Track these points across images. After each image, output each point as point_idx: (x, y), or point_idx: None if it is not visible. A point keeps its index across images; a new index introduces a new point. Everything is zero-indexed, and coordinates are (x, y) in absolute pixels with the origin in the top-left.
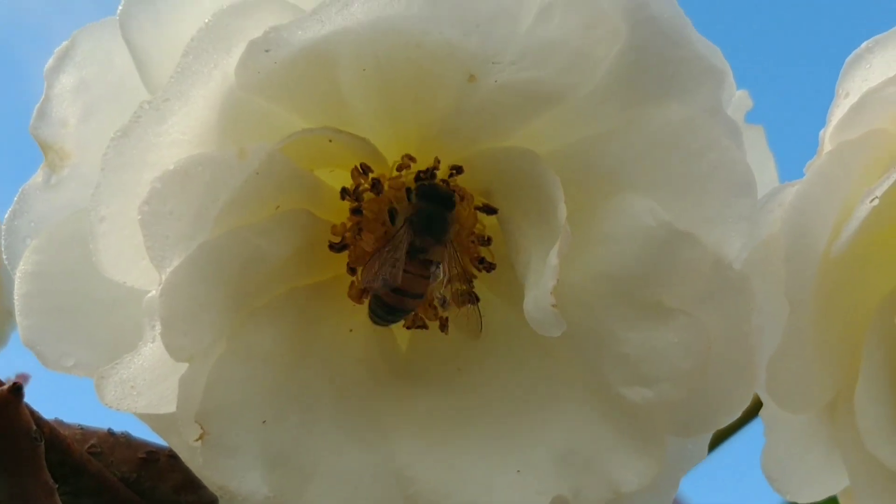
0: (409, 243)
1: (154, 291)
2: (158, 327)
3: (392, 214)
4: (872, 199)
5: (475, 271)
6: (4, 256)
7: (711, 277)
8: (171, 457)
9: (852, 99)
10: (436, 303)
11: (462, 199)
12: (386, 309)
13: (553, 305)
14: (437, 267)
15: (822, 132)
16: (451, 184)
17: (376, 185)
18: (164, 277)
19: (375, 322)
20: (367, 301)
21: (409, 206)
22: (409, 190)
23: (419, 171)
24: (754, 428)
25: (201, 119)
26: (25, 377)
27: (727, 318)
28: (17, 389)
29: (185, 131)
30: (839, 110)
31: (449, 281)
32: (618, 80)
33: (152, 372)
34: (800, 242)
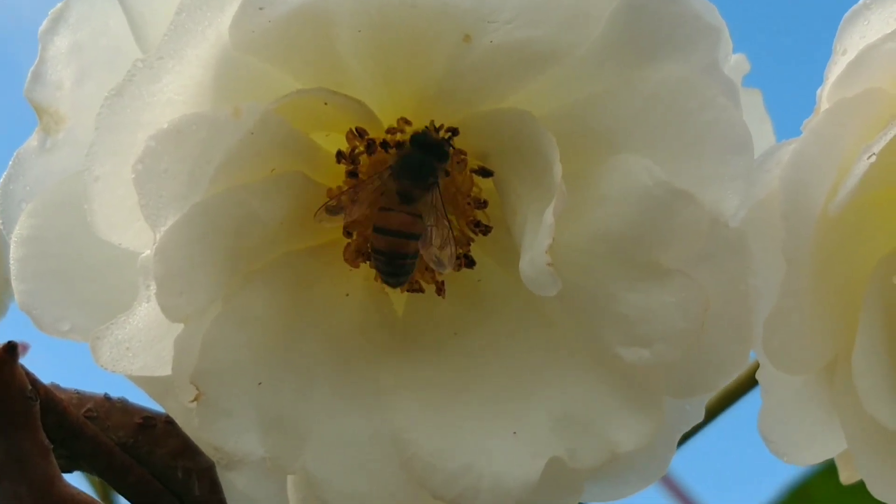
0: (390, 187)
1: (149, 251)
2: (153, 287)
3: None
4: (870, 156)
5: (472, 234)
6: (0, 222)
7: (708, 237)
8: (168, 422)
9: (850, 56)
10: (432, 265)
11: (455, 155)
12: (385, 260)
13: (549, 264)
14: (427, 216)
15: (819, 90)
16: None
17: (371, 147)
18: (158, 237)
19: (387, 282)
20: (362, 264)
21: (397, 154)
22: (400, 145)
23: (414, 133)
24: (749, 406)
25: (196, 79)
26: (25, 346)
27: (724, 278)
28: (11, 349)
29: (179, 91)
30: (837, 68)
31: (445, 244)
32: (614, 40)
33: (147, 333)
34: (797, 200)
